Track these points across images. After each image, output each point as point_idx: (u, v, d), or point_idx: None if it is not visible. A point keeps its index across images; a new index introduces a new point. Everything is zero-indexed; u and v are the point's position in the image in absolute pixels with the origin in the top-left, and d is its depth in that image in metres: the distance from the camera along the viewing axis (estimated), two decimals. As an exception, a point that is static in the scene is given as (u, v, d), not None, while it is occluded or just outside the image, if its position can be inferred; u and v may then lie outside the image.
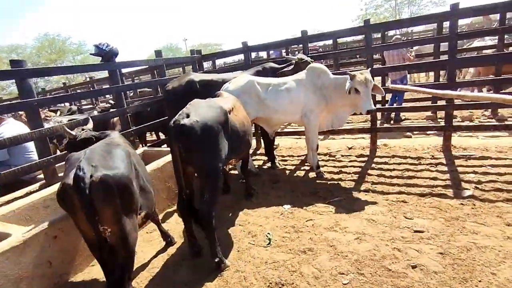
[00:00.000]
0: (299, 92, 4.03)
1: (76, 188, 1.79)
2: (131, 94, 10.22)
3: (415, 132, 5.39)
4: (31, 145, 3.51)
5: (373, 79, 3.79)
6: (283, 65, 4.58)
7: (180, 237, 3.17)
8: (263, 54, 14.27)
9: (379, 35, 9.15)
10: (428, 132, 5.33)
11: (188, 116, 2.71)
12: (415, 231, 2.74)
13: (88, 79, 11.79)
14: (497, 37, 6.41)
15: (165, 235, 3.03)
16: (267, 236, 2.94)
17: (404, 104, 6.37)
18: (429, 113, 6.26)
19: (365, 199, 3.46)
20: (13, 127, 3.59)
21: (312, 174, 4.35)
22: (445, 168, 3.98)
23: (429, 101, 6.41)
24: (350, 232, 2.84)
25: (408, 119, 6.55)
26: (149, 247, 3.05)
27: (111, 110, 4.74)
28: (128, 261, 2.05)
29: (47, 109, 6.57)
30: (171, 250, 2.97)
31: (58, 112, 6.13)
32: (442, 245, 2.53)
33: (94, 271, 2.75)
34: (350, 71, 3.77)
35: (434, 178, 3.75)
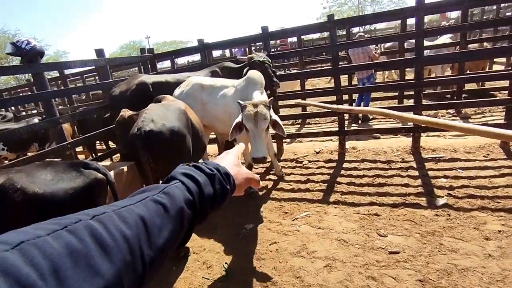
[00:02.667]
0: (230, 101, 3.41)
1: None
2: (83, 97, 9.35)
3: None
4: None
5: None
6: (240, 65, 4.14)
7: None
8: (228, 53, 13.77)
9: (344, 32, 8.96)
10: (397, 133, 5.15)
11: (152, 121, 2.45)
12: (390, 253, 2.44)
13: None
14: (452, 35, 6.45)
15: None
16: (224, 267, 2.51)
17: (371, 104, 6.19)
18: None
19: (335, 214, 3.13)
20: None
21: (274, 185, 3.97)
22: (416, 173, 3.76)
23: (396, 100, 6.29)
24: (319, 258, 2.47)
25: (375, 118, 6.38)
26: None
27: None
28: None
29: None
30: None
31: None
32: (420, 269, 2.23)
33: None
34: (244, 104, 2.74)
35: (406, 185, 3.50)
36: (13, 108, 9.28)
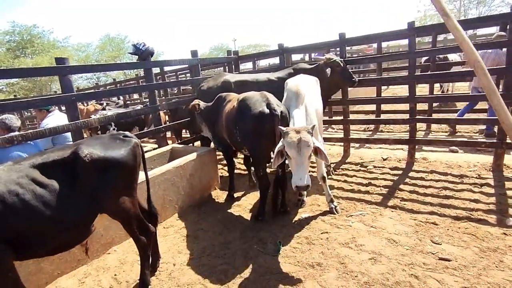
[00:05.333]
0: None
1: None
2: (175, 91, 10.71)
3: (462, 147, 4.84)
4: (70, 135, 3.81)
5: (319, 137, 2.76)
6: (312, 66, 4.42)
7: (192, 237, 3.20)
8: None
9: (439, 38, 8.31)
10: (478, 149, 4.76)
11: (278, 105, 3.12)
12: (441, 259, 2.46)
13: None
14: None
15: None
16: (278, 245, 2.85)
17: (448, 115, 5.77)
18: (482, 127, 5.61)
19: (391, 217, 3.19)
20: (57, 118, 3.92)
21: (335, 184, 4.13)
22: (492, 190, 3.52)
23: (485, 113, 5.74)
24: (366, 251, 2.63)
25: (458, 131, 5.93)
26: (163, 241, 3.12)
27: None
28: None
29: (95, 102, 7.14)
30: (182, 247, 3.01)
31: (105, 104, 6.63)
32: (470, 278, 2.22)
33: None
34: (284, 130, 2.65)
35: (476, 201, 3.33)
36: (121, 97, 11.20)
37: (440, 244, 2.65)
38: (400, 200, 3.51)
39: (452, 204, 3.30)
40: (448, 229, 2.87)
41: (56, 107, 4.48)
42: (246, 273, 2.53)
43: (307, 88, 3.37)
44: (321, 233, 3.00)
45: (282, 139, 2.69)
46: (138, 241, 2.32)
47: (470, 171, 4.09)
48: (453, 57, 7.57)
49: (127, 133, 2.41)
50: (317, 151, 2.73)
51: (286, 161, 2.92)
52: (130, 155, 2.19)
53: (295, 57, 13.98)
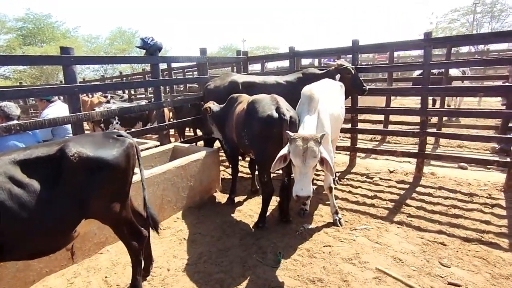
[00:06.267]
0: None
1: None
2: (181, 89, 10.63)
3: (472, 165, 4.69)
4: (70, 127, 3.71)
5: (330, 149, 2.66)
6: (323, 72, 4.31)
7: (184, 239, 3.09)
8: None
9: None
10: (489, 167, 4.62)
11: (287, 110, 3.01)
12: (450, 283, 2.32)
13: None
14: None
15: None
16: (278, 256, 2.72)
17: (457, 131, 5.61)
18: (494, 145, 5.45)
19: (396, 233, 3.06)
20: (59, 109, 3.82)
21: (339, 194, 4.01)
22: (503, 212, 3.38)
23: (493, 130, 5.59)
24: (370, 269, 2.50)
25: (466, 147, 5.78)
26: (158, 244, 3.01)
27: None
28: None
29: (100, 94, 7.06)
30: (178, 251, 2.90)
31: (109, 97, 6.54)
32: (481, 307, 2.09)
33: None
34: (291, 136, 2.52)
35: (487, 222, 3.19)
36: (126, 91, 11.13)
37: (449, 267, 2.51)
38: (407, 216, 3.37)
39: (462, 224, 3.16)
40: (457, 251, 2.73)
41: (61, 97, 4.39)
42: (243, 284, 2.41)
43: (324, 93, 3.23)
44: (324, 246, 2.87)
45: (288, 144, 2.58)
46: (130, 247, 2.19)
47: (480, 189, 3.94)
48: (454, 71, 7.37)
49: (121, 132, 2.26)
50: (323, 161, 2.59)
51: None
52: (122, 156, 2.03)
53: (304, 61, 13.88)
